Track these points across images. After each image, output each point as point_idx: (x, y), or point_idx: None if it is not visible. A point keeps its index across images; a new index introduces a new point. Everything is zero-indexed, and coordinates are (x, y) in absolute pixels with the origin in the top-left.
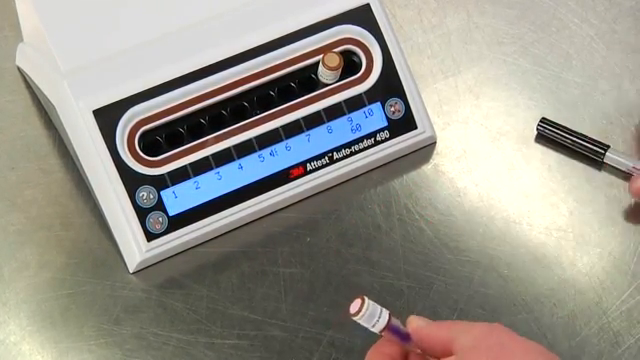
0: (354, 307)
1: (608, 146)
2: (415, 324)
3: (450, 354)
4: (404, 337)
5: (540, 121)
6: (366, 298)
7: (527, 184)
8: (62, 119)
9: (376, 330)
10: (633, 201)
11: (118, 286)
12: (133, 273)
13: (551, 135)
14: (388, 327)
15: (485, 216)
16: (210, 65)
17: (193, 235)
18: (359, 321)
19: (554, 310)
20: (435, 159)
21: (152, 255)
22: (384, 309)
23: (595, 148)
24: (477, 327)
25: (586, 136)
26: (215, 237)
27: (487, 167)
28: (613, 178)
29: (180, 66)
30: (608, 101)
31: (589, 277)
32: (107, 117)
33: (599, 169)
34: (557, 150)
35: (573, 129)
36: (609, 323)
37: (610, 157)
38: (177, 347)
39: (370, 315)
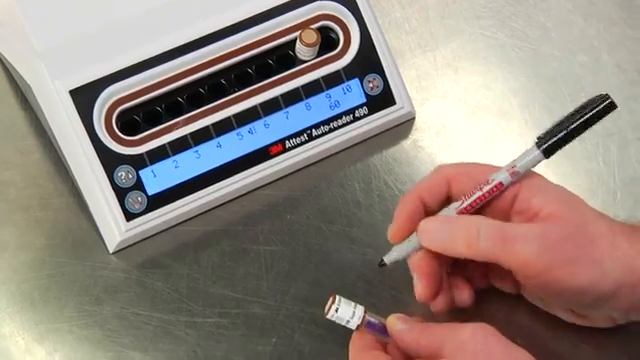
0: (326, 306)
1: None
2: (396, 328)
3: (436, 358)
4: (382, 331)
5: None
6: (337, 296)
7: (506, 158)
8: (38, 100)
9: (352, 327)
10: (614, 175)
11: (98, 266)
12: (113, 253)
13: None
14: (364, 324)
15: None
16: (187, 43)
17: (173, 214)
18: (332, 318)
19: None
20: (414, 134)
21: (132, 235)
22: (359, 306)
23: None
24: (464, 330)
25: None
26: (195, 216)
27: (466, 142)
28: (592, 152)
29: (157, 44)
30: (587, 73)
31: None
32: (84, 97)
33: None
34: (536, 124)
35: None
36: None
37: None
38: (158, 326)
39: (341, 313)
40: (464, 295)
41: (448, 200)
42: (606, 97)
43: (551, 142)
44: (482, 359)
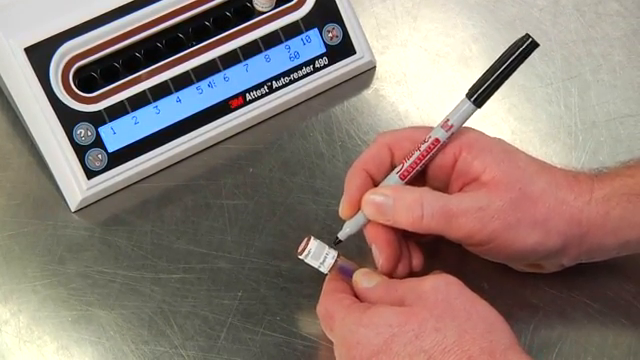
0: (300, 246)
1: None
2: (361, 286)
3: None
4: (352, 275)
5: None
6: (312, 238)
7: None
8: None
9: (324, 270)
10: (575, 118)
11: (60, 225)
12: (75, 212)
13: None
14: (336, 267)
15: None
16: None
17: (134, 171)
18: (305, 260)
19: None
20: (375, 84)
21: (93, 193)
22: (332, 249)
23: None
24: (427, 282)
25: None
26: (157, 172)
27: (427, 89)
28: (553, 95)
29: None
30: (546, 17)
31: None
32: (39, 54)
33: (540, 86)
34: None
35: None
36: None
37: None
38: (123, 284)
39: (314, 255)
40: (417, 260)
41: (393, 169)
42: (527, 37)
43: (480, 91)
44: (442, 309)
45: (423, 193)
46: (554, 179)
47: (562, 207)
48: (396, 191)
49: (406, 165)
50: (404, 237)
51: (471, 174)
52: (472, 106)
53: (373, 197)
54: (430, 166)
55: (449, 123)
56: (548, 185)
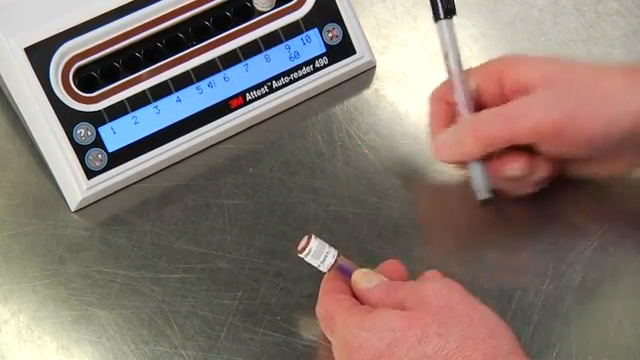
0: (300, 244)
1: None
2: (360, 286)
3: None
4: (351, 274)
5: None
6: (313, 236)
7: None
8: None
9: (323, 269)
10: None
11: (60, 225)
12: (75, 212)
13: None
14: (335, 267)
15: (427, 138)
16: None
17: (134, 171)
18: (305, 258)
19: None
20: (375, 83)
21: (93, 193)
22: (332, 248)
23: None
24: (428, 287)
25: None
26: (157, 172)
27: (427, 89)
28: None
29: None
30: (546, 17)
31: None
32: (39, 54)
33: None
34: None
35: None
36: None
37: None
38: (123, 284)
39: (315, 254)
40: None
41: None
42: None
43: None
44: (444, 314)
45: (478, 114)
46: (607, 67)
47: (628, 85)
48: (457, 123)
49: (458, 99)
50: None
51: (521, 85)
52: (445, 22)
53: (438, 140)
54: (484, 99)
55: (446, 51)
56: (603, 72)
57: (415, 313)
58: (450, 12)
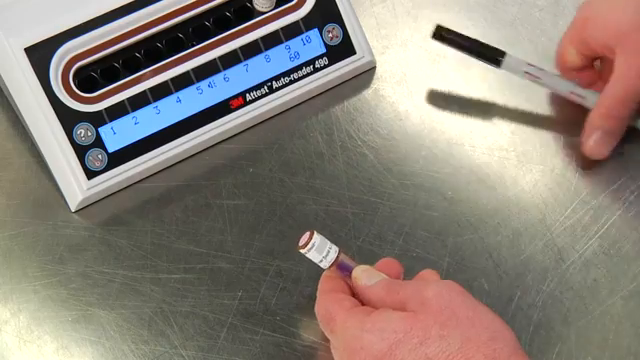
0: (302, 240)
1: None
2: (360, 283)
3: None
4: (351, 272)
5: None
6: (315, 232)
7: (468, 105)
8: None
9: (324, 266)
10: (573, 118)
11: (60, 225)
12: (75, 212)
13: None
14: (336, 264)
15: (427, 138)
16: None
17: (134, 171)
18: (306, 254)
19: (498, 229)
20: (375, 84)
21: (93, 193)
22: (334, 245)
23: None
24: (429, 288)
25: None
26: (157, 172)
27: (427, 89)
28: (553, 96)
29: None
30: (546, 17)
31: (532, 195)
32: (40, 54)
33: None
34: (496, 70)
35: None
36: (553, 239)
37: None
38: (123, 284)
39: (317, 250)
40: None
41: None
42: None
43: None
44: (446, 316)
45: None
46: None
47: None
48: None
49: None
50: None
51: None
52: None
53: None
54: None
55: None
56: None
57: (417, 314)
58: (499, 52)
